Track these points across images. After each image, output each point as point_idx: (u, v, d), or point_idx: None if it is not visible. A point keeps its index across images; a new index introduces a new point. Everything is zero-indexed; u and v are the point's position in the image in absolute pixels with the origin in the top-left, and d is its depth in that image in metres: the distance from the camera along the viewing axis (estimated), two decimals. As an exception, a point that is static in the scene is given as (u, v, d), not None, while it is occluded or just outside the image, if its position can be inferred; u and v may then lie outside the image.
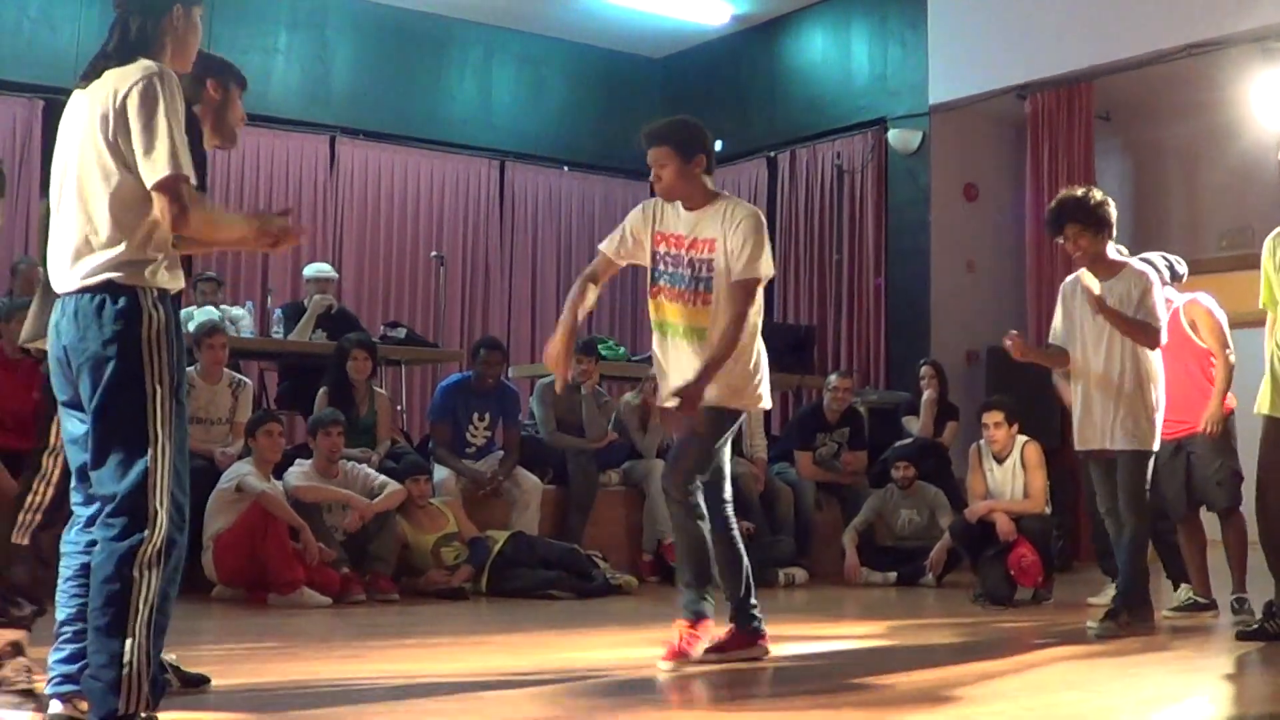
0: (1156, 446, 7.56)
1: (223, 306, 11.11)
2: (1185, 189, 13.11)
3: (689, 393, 5.89)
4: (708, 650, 6.11)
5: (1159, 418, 7.54)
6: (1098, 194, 7.55)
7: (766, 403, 6.38)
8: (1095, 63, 11.98)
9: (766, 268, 6.09)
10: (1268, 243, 7.31)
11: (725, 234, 6.11)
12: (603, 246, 6.56)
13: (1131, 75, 11.96)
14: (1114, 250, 7.60)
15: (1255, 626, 7.17)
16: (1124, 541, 7.57)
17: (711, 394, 6.00)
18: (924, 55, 13.16)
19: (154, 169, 3.87)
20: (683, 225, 6.28)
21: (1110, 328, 7.39)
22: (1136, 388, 7.44)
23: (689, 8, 14.64)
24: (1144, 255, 8.26)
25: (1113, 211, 7.52)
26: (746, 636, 6.27)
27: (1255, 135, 11.18)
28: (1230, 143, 11.93)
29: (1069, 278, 7.79)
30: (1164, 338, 7.49)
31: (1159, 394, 7.54)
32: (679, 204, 6.33)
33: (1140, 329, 7.40)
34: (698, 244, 6.19)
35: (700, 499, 6.18)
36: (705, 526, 6.21)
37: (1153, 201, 13.24)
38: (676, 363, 6.19)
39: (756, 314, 6.17)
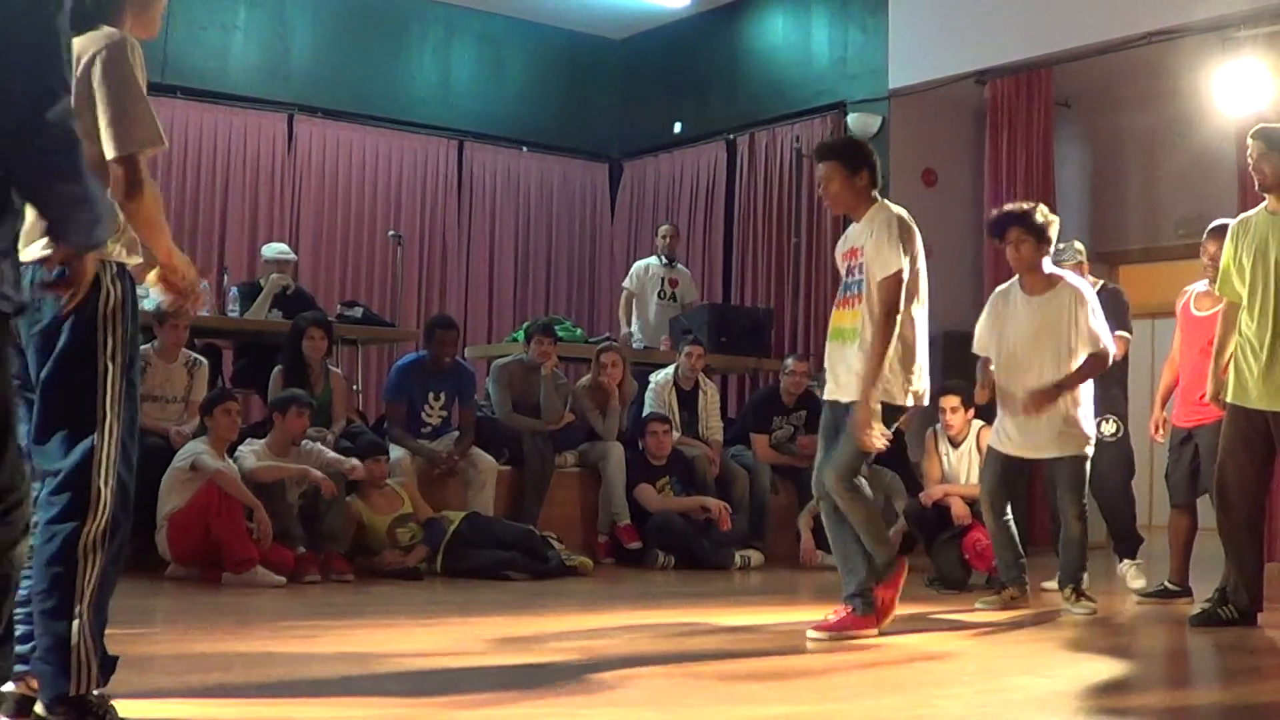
0: (1091, 450, 7.90)
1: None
2: (1144, 177, 13.14)
3: (860, 417, 6.40)
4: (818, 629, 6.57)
5: (1088, 415, 7.83)
6: (1046, 211, 7.84)
7: (924, 397, 6.69)
8: (1055, 49, 11.97)
9: (898, 263, 6.39)
10: (1232, 228, 7.35)
11: (868, 237, 6.50)
12: None
13: (1092, 63, 11.97)
14: (1049, 264, 7.80)
15: (1209, 612, 7.22)
16: (1068, 538, 7.90)
17: (856, 394, 6.44)
18: (884, 40, 13.14)
19: (117, 142, 3.83)
20: (851, 239, 6.70)
21: (1040, 346, 7.68)
22: (1070, 400, 7.75)
23: (650, -11, 14.63)
24: (1062, 245, 8.51)
25: (1055, 229, 7.81)
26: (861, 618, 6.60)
27: (1214, 124, 11.20)
28: (1189, 131, 11.95)
29: (999, 289, 8.03)
30: (1111, 351, 7.82)
31: (1088, 399, 7.84)
32: (852, 221, 6.73)
33: (1091, 371, 7.74)
34: (856, 252, 6.59)
35: (865, 487, 6.67)
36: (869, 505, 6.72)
37: (1111, 189, 13.28)
38: (833, 364, 6.69)
39: (906, 310, 6.49)
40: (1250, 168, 7.18)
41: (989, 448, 8.06)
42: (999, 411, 7.96)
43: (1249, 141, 7.18)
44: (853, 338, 6.53)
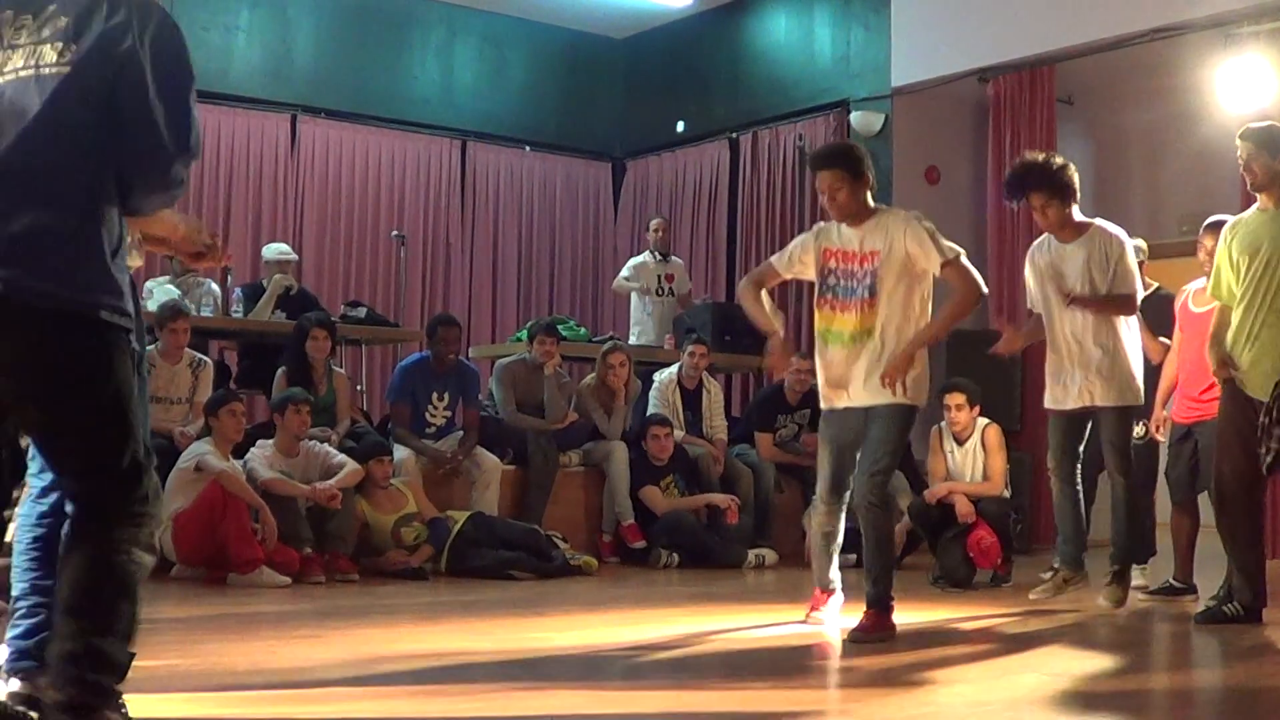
0: (1141, 401, 7.77)
1: (203, 279, 11.11)
2: (1147, 174, 13.16)
3: (903, 361, 6.46)
4: (853, 631, 6.46)
5: (1139, 372, 7.67)
6: (1058, 159, 7.69)
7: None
8: (1057, 46, 11.99)
9: (950, 246, 6.55)
10: (1224, 233, 7.35)
11: (893, 240, 6.53)
12: (772, 260, 7.11)
13: (1094, 59, 11.98)
14: (1078, 212, 7.66)
15: (1214, 609, 7.21)
16: (1115, 502, 7.78)
17: (899, 392, 6.45)
18: (887, 37, 13.15)
19: None
20: (853, 241, 6.68)
21: (1081, 288, 7.49)
22: (1113, 347, 7.55)
23: (652, -12, 14.62)
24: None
25: (1075, 175, 7.62)
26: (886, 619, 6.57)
27: (1217, 121, 11.19)
28: (1192, 128, 11.95)
29: (1036, 242, 7.88)
30: (1140, 296, 7.62)
31: (1135, 354, 7.67)
32: (844, 224, 6.72)
33: (1114, 305, 7.56)
34: (866, 257, 6.59)
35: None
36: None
37: (1114, 185, 13.27)
38: (846, 364, 6.61)
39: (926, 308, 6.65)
40: (1241, 169, 7.18)
41: (1049, 414, 7.86)
42: (1046, 370, 7.78)
43: (1238, 143, 7.18)
44: (873, 336, 6.51)
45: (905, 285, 6.53)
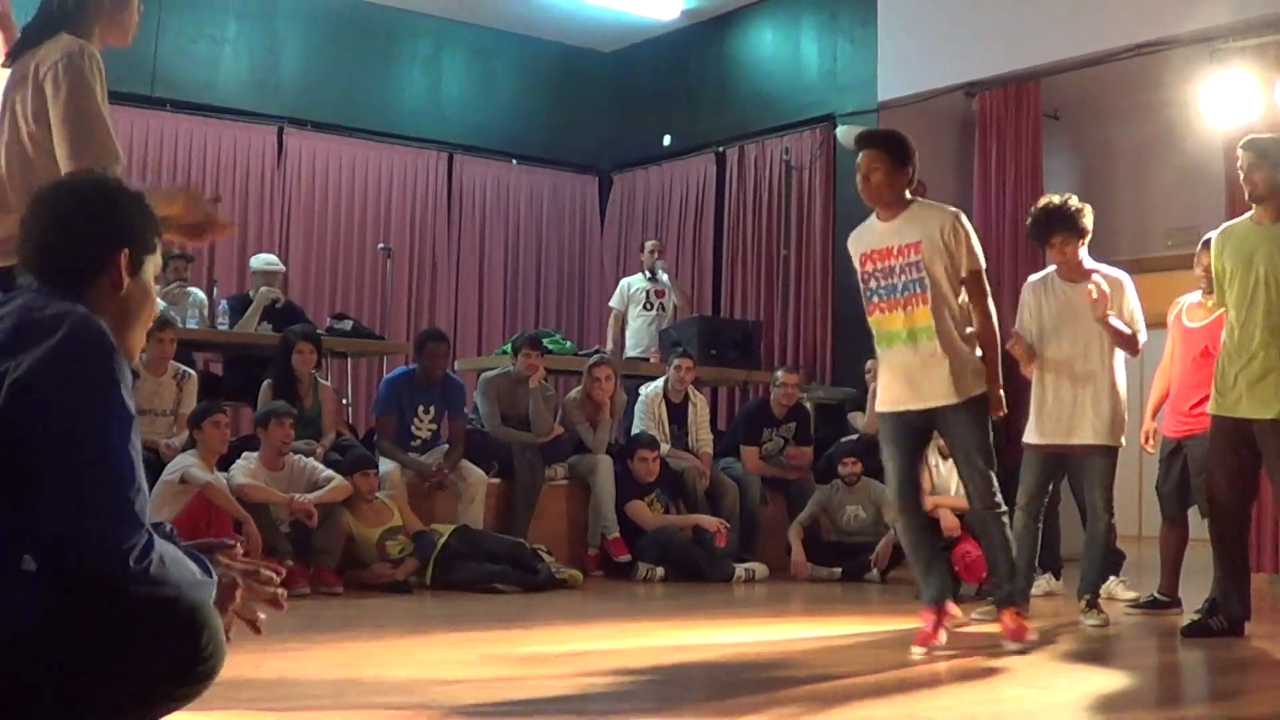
0: (1123, 443, 7.78)
1: (190, 289, 11.14)
2: (1133, 188, 13.16)
3: (995, 399, 6.59)
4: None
5: (1122, 405, 7.71)
6: (1074, 201, 7.73)
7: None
8: (1043, 62, 12.00)
9: (981, 258, 6.53)
10: (1215, 242, 7.32)
11: (930, 234, 6.45)
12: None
13: (1080, 75, 12.00)
14: (1087, 258, 7.75)
15: (1200, 623, 7.21)
16: (1092, 537, 7.82)
17: (967, 385, 6.51)
18: (873, 52, 13.17)
19: (75, 163, 3.77)
20: (886, 238, 6.57)
21: (1083, 331, 7.61)
22: (1108, 385, 7.61)
23: (639, 2, 14.61)
24: None
25: (1090, 217, 7.70)
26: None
27: (1202, 136, 11.22)
28: (1178, 143, 11.96)
29: (1038, 276, 7.95)
30: (1143, 340, 7.71)
31: (1124, 393, 7.73)
32: (874, 219, 6.66)
33: (1128, 341, 7.61)
34: (903, 250, 6.49)
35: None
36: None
37: (1101, 200, 13.14)
38: (908, 367, 6.55)
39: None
40: (1241, 179, 7.16)
41: (1025, 449, 7.91)
42: (1033, 405, 7.82)
43: (1239, 152, 7.16)
44: (931, 336, 6.45)
45: (949, 280, 6.46)
